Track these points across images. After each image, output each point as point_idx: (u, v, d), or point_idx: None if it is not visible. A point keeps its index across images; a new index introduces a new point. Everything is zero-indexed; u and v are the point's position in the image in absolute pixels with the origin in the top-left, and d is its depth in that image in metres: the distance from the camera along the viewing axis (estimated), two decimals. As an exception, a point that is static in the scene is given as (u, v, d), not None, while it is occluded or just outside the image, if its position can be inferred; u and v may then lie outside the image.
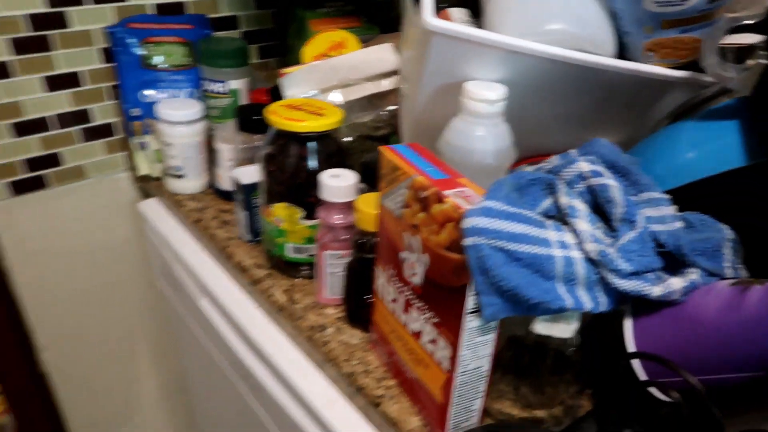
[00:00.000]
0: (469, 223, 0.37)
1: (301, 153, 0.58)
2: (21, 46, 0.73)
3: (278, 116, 0.57)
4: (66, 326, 0.92)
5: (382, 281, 0.51)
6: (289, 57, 0.82)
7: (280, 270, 0.65)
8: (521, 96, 0.48)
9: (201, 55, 0.76)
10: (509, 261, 0.37)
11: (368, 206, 0.52)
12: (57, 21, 0.74)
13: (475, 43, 0.45)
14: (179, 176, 0.76)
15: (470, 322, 0.40)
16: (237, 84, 0.77)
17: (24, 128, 0.77)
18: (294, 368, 0.60)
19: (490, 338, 0.42)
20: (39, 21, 0.73)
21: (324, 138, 0.58)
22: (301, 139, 0.57)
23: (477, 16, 0.57)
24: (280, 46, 0.94)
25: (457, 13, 0.52)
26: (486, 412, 0.48)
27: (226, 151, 0.73)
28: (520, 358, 0.47)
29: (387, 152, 0.46)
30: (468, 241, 0.37)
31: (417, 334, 0.46)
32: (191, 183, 0.77)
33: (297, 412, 0.61)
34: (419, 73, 0.51)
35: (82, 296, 0.92)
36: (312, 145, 0.57)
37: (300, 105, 0.59)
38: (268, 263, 0.67)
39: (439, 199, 0.40)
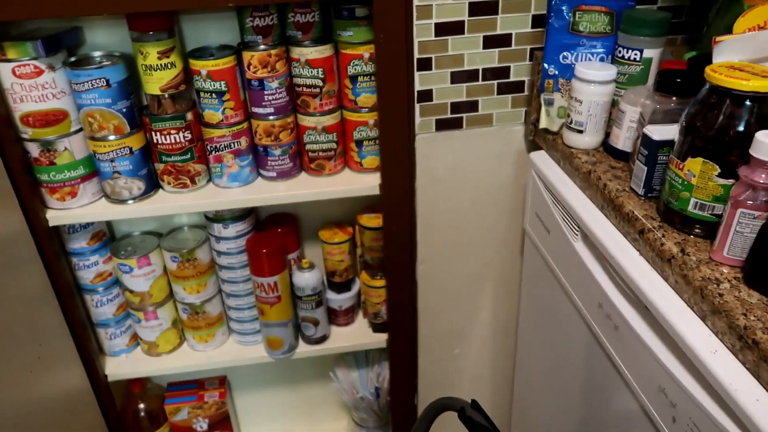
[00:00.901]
0: None
1: (734, 112, 0.60)
2: (475, 8, 0.90)
3: (720, 74, 0.60)
4: (440, 247, 1.11)
5: (815, 239, 0.51)
6: (707, 33, 0.84)
7: (672, 224, 0.69)
8: None
9: (623, 24, 0.83)
10: None
11: (812, 166, 0.52)
12: (506, -11, 0.90)
13: None
14: (579, 131, 0.85)
15: None
16: (651, 53, 0.82)
17: (458, 76, 0.95)
18: (675, 315, 0.64)
19: None
20: (492, -12, 0.90)
21: (761, 99, 0.60)
22: (737, 98, 0.60)
23: None
24: (690, 24, 0.96)
25: None
26: None
27: (630, 113, 0.80)
28: None
29: None
30: None
31: None
32: (588, 139, 0.86)
33: (665, 353, 0.65)
34: None
35: (459, 225, 1.10)
36: (749, 104, 0.60)
37: (741, 67, 0.61)
38: (659, 217, 0.71)
39: None
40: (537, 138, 0.99)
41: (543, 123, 0.92)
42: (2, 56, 0.85)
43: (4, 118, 0.88)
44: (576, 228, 0.83)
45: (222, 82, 0.92)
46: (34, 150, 0.91)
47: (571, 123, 0.86)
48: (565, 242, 0.86)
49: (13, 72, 0.86)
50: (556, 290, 0.92)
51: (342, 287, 1.15)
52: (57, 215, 0.95)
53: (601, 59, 0.88)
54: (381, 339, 1.16)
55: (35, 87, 0.87)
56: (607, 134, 0.86)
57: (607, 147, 0.86)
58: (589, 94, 0.82)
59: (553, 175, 0.90)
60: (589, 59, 0.88)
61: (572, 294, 0.87)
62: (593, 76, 0.81)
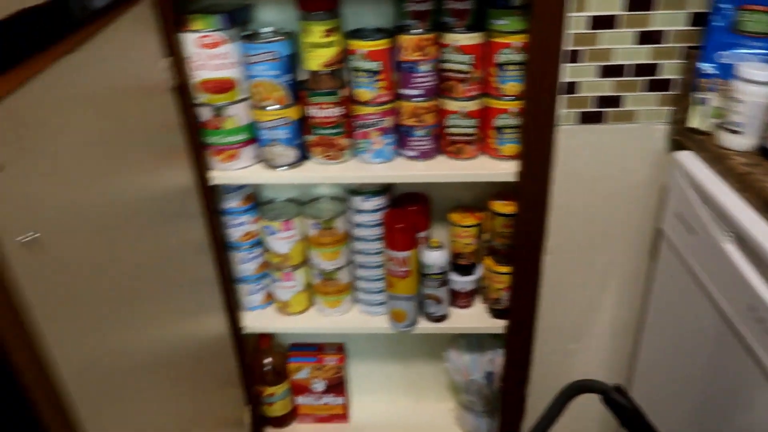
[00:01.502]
0: None
1: None
2: (632, 3, 0.91)
3: None
4: (570, 240, 1.13)
5: None
6: None
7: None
8: None
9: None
10: None
11: None
12: (667, -15, 0.90)
13: None
14: (736, 132, 0.84)
15: None
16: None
17: (605, 71, 0.96)
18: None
19: None
20: (654, -16, 0.90)
21: None
22: None
23: None
24: None
25: None
26: None
27: (796, 115, 0.78)
28: None
29: None
30: None
31: None
32: (744, 140, 0.84)
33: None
34: None
35: (590, 219, 1.11)
36: None
37: None
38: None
39: None
40: (682, 137, 0.98)
41: (693, 122, 0.91)
42: (186, 28, 0.96)
43: (186, 84, 0.99)
44: (728, 230, 0.82)
45: (377, 63, 0.98)
46: (206, 114, 1.02)
47: (727, 123, 0.85)
48: (712, 243, 0.85)
49: (198, 42, 0.96)
50: (695, 292, 0.91)
51: (465, 270, 1.19)
52: (219, 175, 1.05)
53: (763, 60, 0.86)
54: (499, 325, 1.18)
55: (214, 56, 0.97)
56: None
57: (763, 150, 0.84)
58: (751, 95, 0.81)
59: (702, 175, 0.89)
60: (749, 60, 0.86)
61: (716, 296, 0.85)
62: (757, 77, 0.80)
